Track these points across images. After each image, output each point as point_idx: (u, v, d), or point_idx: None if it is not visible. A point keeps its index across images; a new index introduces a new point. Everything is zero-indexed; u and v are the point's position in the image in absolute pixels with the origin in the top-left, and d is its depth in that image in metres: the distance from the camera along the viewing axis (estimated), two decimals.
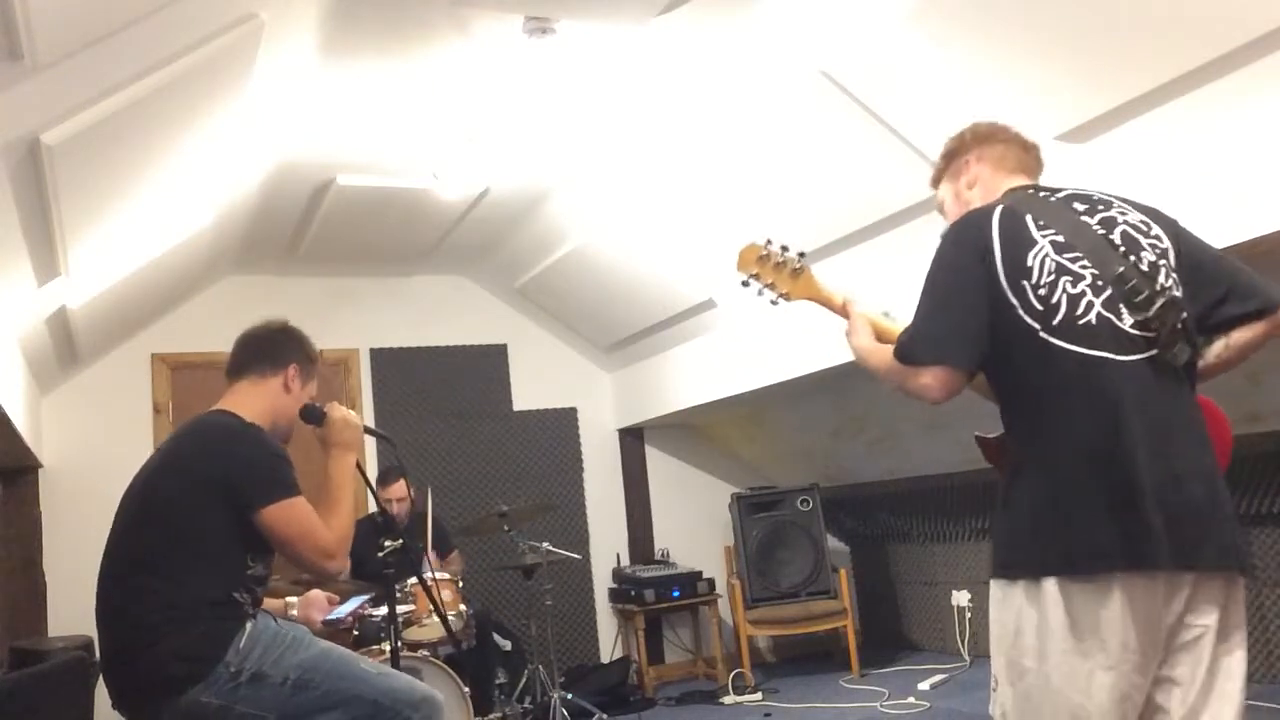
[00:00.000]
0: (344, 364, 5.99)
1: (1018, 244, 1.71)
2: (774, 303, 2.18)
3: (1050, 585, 1.61)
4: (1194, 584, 1.62)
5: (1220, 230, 2.79)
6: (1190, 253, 1.78)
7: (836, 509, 6.43)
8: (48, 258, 3.33)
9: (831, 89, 3.56)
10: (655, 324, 5.75)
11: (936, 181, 2.07)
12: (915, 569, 6.18)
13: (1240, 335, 1.79)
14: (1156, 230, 1.78)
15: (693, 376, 5.73)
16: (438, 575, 4.26)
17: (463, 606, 4.40)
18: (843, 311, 2.05)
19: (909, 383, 1.76)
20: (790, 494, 6.03)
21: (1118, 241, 1.73)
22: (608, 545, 6.43)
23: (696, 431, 6.78)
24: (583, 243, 5.29)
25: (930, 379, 1.72)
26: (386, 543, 3.35)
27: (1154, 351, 1.66)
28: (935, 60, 3.27)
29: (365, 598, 3.68)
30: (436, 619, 4.00)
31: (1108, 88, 3.05)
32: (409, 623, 4.16)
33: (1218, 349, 1.80)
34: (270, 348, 2.54)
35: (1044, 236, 1.71)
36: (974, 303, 1.71)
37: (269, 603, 2.66)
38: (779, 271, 2.13)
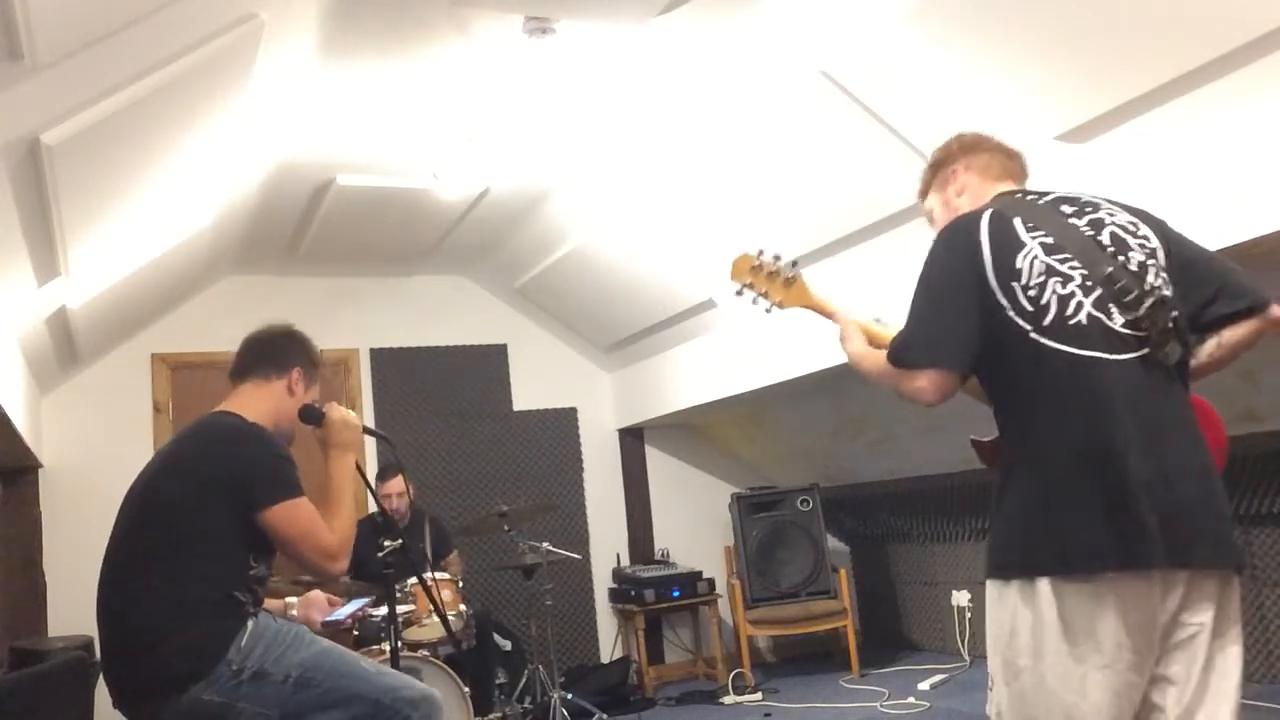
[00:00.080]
0: (344, 364, 5.99)
1: (1007, 246, 1.72)
2: (768, 311, 2.23)
3: (1044, 585, 1.62)
4: (1188, 582, 1.62)
5: (1220, 230, 2.79)
6: (1181, 252, 1.80)
7: (836, 509, 6.43)
8: (48, 258, 3.34)
9: (831, 89, 3.56)
10: (655, 324, 5.75)
11: (924, 193, 2.10)
12: (915, 569, 6.18)
13: (1232, 334, 1.80)
14: (1145, 231, 1.79)
15: (692, 376, 5.72)
16: (438, 575, 4.26)
17: (463, 606, 4.40)
18: (835, 318, 2.08)
19: (903, 386, 1.78)
20: (790, 494, 6.03)
21: (1106, 242, 1.74)
22: (608, 545, 6.43)
23: (696, 431, 6.78)
24: (583, 243, 5.29)
25: (924, 382, 1.74)
26: (386, 543, 3.35)
27: (1145, 351, 1.67)
28: (935, 60, 3.27)
29: (366, 600, 3.68)
30: (436, 619, 4.00)
31: (1107, 88, 3.05)
32: (409, 623, 4.16)
33: (1210, 348, 1.81)
34: (274, 351, 2.55)
35: (1033, 238, 1.72)
36: (965, 305, 1.72)
37: (269, 603, 2.66)
38: (772, 281, 2.19)
